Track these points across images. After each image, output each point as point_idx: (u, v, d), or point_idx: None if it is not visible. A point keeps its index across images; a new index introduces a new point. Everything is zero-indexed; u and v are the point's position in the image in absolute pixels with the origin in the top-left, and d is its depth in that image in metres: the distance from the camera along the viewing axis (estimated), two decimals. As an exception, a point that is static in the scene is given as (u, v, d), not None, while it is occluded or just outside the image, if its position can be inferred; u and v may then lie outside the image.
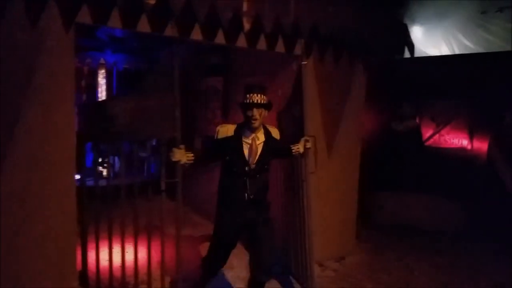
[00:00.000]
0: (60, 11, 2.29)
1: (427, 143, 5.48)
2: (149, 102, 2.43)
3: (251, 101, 2.44)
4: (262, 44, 3.07)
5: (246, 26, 2.70)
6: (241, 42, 2.95)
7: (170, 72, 2.26)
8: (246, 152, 2.49)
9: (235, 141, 2.49)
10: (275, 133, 2.67)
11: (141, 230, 2.86)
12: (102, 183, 2.90)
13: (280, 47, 3.15)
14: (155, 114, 2.44)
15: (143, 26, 2.51)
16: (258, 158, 2.50)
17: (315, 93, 3.44)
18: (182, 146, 2.37)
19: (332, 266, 3.66)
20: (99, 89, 7.84)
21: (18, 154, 2.28)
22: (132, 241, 2.90)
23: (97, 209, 2.84)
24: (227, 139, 2.51)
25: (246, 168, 2.48)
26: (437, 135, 5.52)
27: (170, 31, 2.63)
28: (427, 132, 5.54)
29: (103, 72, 7.76)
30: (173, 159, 2.33)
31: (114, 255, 2.94)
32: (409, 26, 5.51)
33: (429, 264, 3.78)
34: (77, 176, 2.56)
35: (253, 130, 2.48)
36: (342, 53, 3.54)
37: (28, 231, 2.35)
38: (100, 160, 3.34)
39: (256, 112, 2.44)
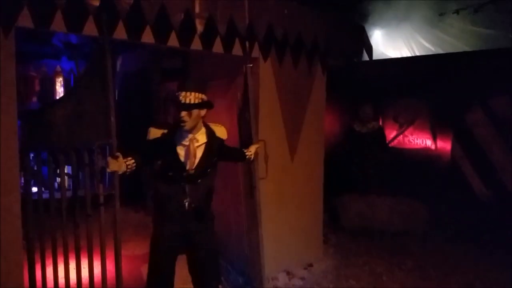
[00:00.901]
0: (-2, 14, 2.21)
1: (391, 144, 5.65)
2: (85, 106, 2.34)
3: (178, 101, 2.25)
4: (218, 47, 3.07)
5: (199, 28, 2.69)
6: (196, 44, 2.94)
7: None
8: (181, 155, 2.33)
9: (168, 143, 2.33)
10: (221, 132, 2.53)
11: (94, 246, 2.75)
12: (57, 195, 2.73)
13: (237, 50, 3.17)
14: (92, 119, 2.35)
15: (89, 29, 2.46)
16: (199, 161, 2.36)
17: (274, 96, 3.48)
18: (118, 154, 2.19)
19: (300, 274, 3.67)
20: (57, 97, 7.64)
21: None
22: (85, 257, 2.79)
23: (48, 223, 2.71)
24: (158, 140, 2.34)
25: (184, 173, 2.33)
26: (400, 136, 5.71)
27: (119, 33, 2.59)
28: (390, 133, 5.71)
29: (60, 80, 7.57)
30: (108, 170, 2.15)
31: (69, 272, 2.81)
32: (369, 29, 5.72)
33: (398, 268, 3.87)
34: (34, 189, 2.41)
35: (189, 130, 2.32)
36: (300, 55, 3.60)
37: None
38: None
39: (184, 114, 2.25)
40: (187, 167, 2.33)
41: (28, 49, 6.05)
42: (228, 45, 3.10)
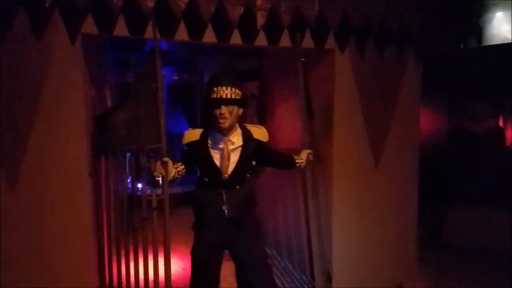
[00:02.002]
0: (65, 22, 2.37)
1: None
2: (140, 110, 2.37)
3: (218, 95, 2.13)
4: (286, 41, 2.89)
5: (260, 21, 2.54)
6: (260, 40, 2.81)
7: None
8: (216, 159, 2.23)
9: (201, 146, 2.24)
10: (260, 133, 2.35)
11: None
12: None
13: (308, 43, 2.95)
14: (145, 123, 2.36)
15: (149, 32, 2.50)
16: (235, 166, 2.23)
17: (354, 93, 3.16)
18: (166, 159, 2.20)
19: (387, 294, 3.29)
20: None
21: (31, 169, 2.38)
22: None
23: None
24: (192, 144, 2.26)
25: (219, 179, 2.22)
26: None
27: (180, 35, 2.60)
28: (512, 134, 4.83)
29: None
30: (155, 174, 2.16)
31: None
32: (488, 10, 4.88)
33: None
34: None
35: (224, 132, 2.22)
36: (387, 44, 3.21)
37: (41, 247, 2.43)
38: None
39: (225, 110, 2.14)
40: (222, 172, 2.23)
41: (125, 57, 6.64)
42: (294, 39, 2.90)
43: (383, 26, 3.02)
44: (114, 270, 2.65)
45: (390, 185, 3.37)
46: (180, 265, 4.01)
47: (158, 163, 2.22)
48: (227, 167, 2.22)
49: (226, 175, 2.21)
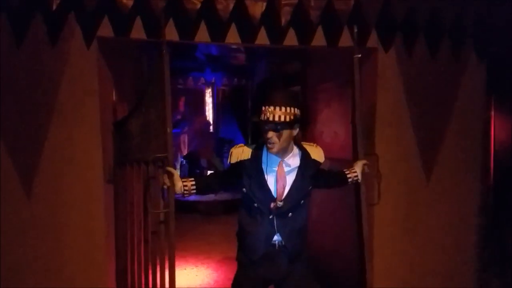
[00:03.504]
0: (80, 26, 2.30)
1: None
2: (151, 118, 2.20)
3: (265, 117, 1.86)
4: (320, 40, 2.59)
5: (284, 18, 2.28)
6: (291, 40, 2.53)
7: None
8: (270, 182, 1.94)
9: (253, 167, 1.95)
10: (317, 154, 2.05)
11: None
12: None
13: (345, 40, 2.61)
14: (154, 131, 2.19)
15: (169, 34, 2.34)
16: (290, 190, 1.95)
17: (400, 96, 2.75)
18: (172, 171, 2.01)
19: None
20: (207, 108, 8.34)
21: (46, 177, 2.33)
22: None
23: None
24: (242, 164, 1.97)
25: (272, 205, 1.93)
26: None
27: (201, 37, 2.42)
28: None
29: (209, 91, 8.23)
30: (163, 185, 1.98)
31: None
32: None
33: None
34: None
35: (278, 154, 1.93)
36: (440, 41, 2.75)
37: (56, 255, 2.37)
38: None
39: (272, 135, 1.85)
40: (276, 198, 1.94)
41: (176, 65, 6.71)
42: (331, 36, 2.58)
43: (434, 19, 2.59)
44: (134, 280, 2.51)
45: (445, 204, 2.88)
46: (213, 277, 3.84)
47: (165, 175, 2.03)
48: (282, 193, 1.95)
49: (280, 202, 1.93)
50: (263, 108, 1.89)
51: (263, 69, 6.33)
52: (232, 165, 2.01)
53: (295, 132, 1.93)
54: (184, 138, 7.62)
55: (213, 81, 7.23)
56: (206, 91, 8.23)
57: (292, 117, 1.87)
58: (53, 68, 2.30)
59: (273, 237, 1.96)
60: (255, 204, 1.96)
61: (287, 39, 2.55)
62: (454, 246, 2.93)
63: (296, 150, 2.00)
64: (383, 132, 2.74)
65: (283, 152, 1.93)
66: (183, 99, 7.61)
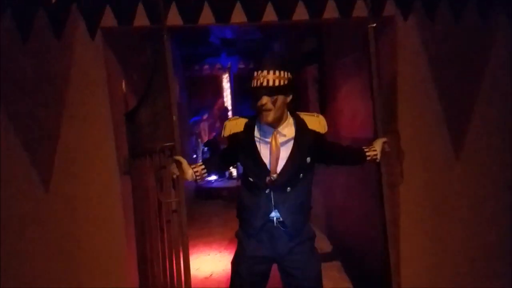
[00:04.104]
0: (84, 17, 2.26)
1: None
2: (157, 107, 2.14)
3: (258, 83, 1.76)
4: (332, 11, 2.45)
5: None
6: (301, 13, 2.41)
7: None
8: (264, 155, 1.85)
9: (246, 140, 1.88)
10: (316, 123, 1.92)
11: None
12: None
13: (359, 10, 2.45)
14: (161, 119, 2.14)
15: (172, 19, 2.28)
16: (286, 163, 1.85)
17: (423, 68, 2.58)
18: (180, 159, 1.97)
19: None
20: (224, 93, 8.27)
21: (62, 171, 2.34)
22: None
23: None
24: (235, 136, 1.92)
25: (267, 179, 1.85)
26: None
27: (205, 19, 2.33)
28: None
29: (226, 76, 8.13)
30: (172, 175, 1.93)
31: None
32: None
33: None
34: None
35: (272, 124, 1.83)
36: (465, 6, 2.55)
37: (76, 247, 2.39)
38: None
39: (266, 100, 1.76)
40: (271, 171, 1.86)
41: (191, 52, 6.65)
42: (344, 7, 2.43)
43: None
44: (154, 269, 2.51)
45: (478, 183, 2.71)
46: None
47: (174, 163, 1.98)
48: (276, 164, 1.86)
49: (274, 175, 1.85)
50: (255, 73, 1.79)
51: (279, 50, 6.17)
52: (227, 139, 1.94)
53: (289, 99, 1.85)
54: (205, 126, 7.61)
55: (229, 66, 7.12)
56: (223, 76, 8.14)
57: (286, 82, 1.78)
58: (60, 61, 2.27)
59: (270, 212, 1.89)
60: (251, 179, 1.90)
61: (297, 14, 2.42)
62: (487, 226, 2.77)
63: (291, 119, 1.90)
64: (405, 107, 2.59)
65: (278, 121, 1.84)
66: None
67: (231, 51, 6.91)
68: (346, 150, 2.13)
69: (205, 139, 7.64)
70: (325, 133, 1.96)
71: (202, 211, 5.76)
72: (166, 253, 2.29)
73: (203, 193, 6.53)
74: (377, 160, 2.11)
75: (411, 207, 2.64)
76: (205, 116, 7.67)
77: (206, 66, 7.11)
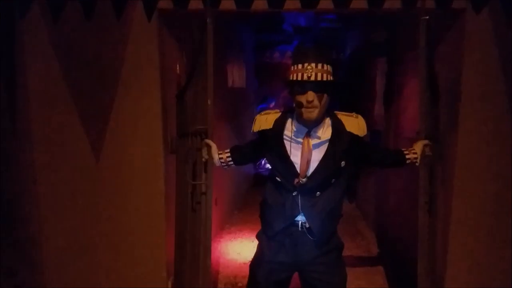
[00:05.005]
0: (142, -1, 2.38)
1: None
2: (197, 89, 2.20)
3: (304, 76, 1.63)
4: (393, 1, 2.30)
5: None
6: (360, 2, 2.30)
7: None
8: (295, 155, 1.76)
9: (275, 138, 1.79)
10: (355, 125, 1.79)
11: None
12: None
13: (428, 2, 2.27)
14: (199, 103, 2.19)
15: (227, 3, 2.31)
16: (318, 166, 1.75)
17: (494, 69, 2.33)
18: (208, 142, 1.99)
19: None
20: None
21: (112, 146, 2.52)
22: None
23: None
24: (263, 133, 1.83)
25: (295, 181, 1.76)
26: None
27: (258, 5, 2.33)
28: None
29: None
30: (202, 158, 1.96)
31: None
32: None
33: None
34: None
35: (309, 123, 1.74)
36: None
37: (121, 218, 2.58)
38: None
39: (313, 97, 1.63)
40: (300, 173, 1.77)
41: (264, 39, 6.70)
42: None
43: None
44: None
45: None
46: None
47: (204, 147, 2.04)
48: (306, 167, 1.75)
49: (304, 179, 1.75)
50: (300, 65, 1.66)
51: (355, 40, 5.96)
52: (255, 134, 1.89)
53: (328, 98, 1.72)
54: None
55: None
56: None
57: (332, 77, 1.67)
58: (118, 41, 2.43)
59: (296, 215, 1.80)
60: (278, 178, 1.82)
61: (355, 2, 2.32)
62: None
63: (328, 120, 1.79)
64: (470, 108, 2.36)
65: (319, 120, 1.75)
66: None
67: (304, 39, 6.82)
68: (384, 153, 2.02)
69: (271, 127, 7.68)
70: (364, 135, 1.84)
71: (257, 198, 5.84)
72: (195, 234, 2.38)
73: (261, 179, 6.61)
74: (417, 164, 1.97)
75: (464, 229, 2.43)
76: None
77: (277, 54, 7.11)
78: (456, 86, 2.38)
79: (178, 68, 2.77)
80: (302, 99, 1.68)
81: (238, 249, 3.85)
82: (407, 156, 1.95)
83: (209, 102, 2.02)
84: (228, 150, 2.02)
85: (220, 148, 2.15)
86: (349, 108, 2.00)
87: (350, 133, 1.78)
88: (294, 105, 1.76)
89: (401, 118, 3.53)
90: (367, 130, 1.84)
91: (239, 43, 5.64)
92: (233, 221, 4.75)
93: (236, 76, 5.17)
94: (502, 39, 2.29)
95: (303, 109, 1.69)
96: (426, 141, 1.99)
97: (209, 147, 2.02)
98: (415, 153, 1.96)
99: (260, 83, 7.36)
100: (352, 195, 5.36)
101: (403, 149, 1.99)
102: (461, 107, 2.36)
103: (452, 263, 2.46)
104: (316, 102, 1.67)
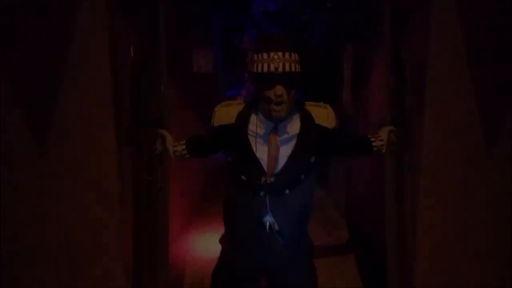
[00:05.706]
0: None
1: None
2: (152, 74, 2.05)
3: (271, 67, 1.49)
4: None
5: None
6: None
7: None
8: (261, 152, 1.64)
9: (238, 134, 1.67)
10: (324, 117, 1.69)
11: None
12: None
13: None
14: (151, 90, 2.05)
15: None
16: (286, 163, 1.64)
17: (461, 52, 2.28)
18: (161, 132, 1.88)
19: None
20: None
21: (60, 138, 2.34)
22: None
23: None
24: (224, 129, 1.71)
25: (263, 180, 1.64)
26: None
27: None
28: None
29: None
30: (155, 150, 1.83)
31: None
32: None
33: None
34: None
35: (282, 118, 1.61)
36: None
37: (71, 215, 2.41)
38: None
39: (282, 91, 1.50)
40: (267, 172, 1.65)
41: (231, 23, 6.52)
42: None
43: None
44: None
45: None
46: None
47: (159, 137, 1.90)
48: (274, 165, 1.65)
49: (271, 178, 1.65)
50: (265, 54, 1.49)
51: (331, 22, 5.88)
52: (212, 129, 1.73)
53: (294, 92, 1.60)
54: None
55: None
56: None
57: (299, 66, 1.52)
58: (64, 21, 2.24)
59: (263, 216, 1.68)
60: (243, 177, 1.68)
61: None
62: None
63: (296, 113, 1.67)
64: (437, 93, 2.31)
65: (284, 115, 1.62)
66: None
67: (274, 24, 6.69)
68: (352, 140, 1.94)
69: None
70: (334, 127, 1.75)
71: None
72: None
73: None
74: (383, 151, 1.90)
75: (433, 216, 2.40)
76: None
77: (246, 39, 6.95)
78: (422, 70, 2.32)
79: (131, 50, 2.59)
80: (270, 93, 1.54)
81: (206, 244, 3.74)
82: (373, 144, 1.89)
83: (162, 88, 1.87)
84: (184, 142, 1.87)
85: (183, 139, 2.01)
86: (320, 95, 1.91)
87: (320, 126, 1.69)
88: (261, 99, 1.62)
89: (370, 103, 3.49)
90: (336, 117, 1.76)
91: (205, 26, 5.45)
92: (202, 214, 4.64)
93: (202, 61, 5.00)
94: (469, 21, 2.24)
95: (271, 106, 1.56)
96: (391, 127, 1.93)
97: (163, 138, 1.88)
98: (382, 140, 1.90)
99: (230, 69, 7.20)
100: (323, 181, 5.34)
101: (369, 136, 1.91)
102: (428, 91, 2.30)
103: (421, 248, 2.43)
104: (285, 97, 1.54)
